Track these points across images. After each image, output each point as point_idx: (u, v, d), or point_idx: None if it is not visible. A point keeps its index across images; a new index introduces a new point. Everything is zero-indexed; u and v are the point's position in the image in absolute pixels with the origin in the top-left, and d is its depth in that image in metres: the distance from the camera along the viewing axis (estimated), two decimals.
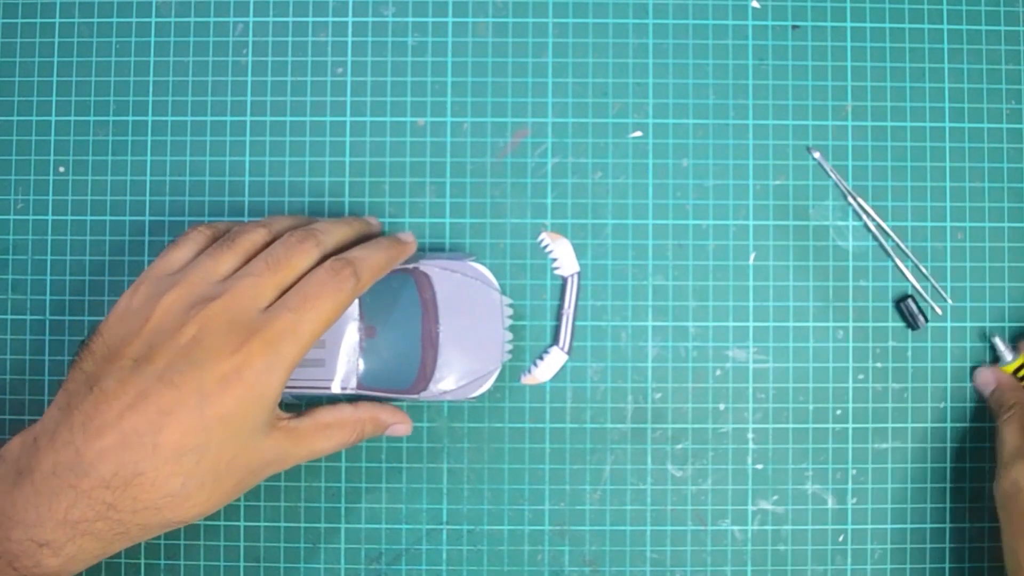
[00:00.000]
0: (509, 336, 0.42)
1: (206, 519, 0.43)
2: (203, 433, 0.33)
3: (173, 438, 0.33)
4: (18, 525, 0.33)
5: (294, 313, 0.35)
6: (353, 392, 0.40)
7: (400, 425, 0.41)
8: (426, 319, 0.41)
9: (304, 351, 0.35)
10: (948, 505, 0.44)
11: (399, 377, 0.41)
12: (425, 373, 0.41)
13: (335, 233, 0.39)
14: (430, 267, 0.42)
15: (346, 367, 0.40)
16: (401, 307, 0.41)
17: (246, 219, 0.45)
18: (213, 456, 0.34)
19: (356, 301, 0.40)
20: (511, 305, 0.43)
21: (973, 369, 0.44)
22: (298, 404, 0.42)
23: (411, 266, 0.41)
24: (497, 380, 0.42)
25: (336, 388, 0.40)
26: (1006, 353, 0.44)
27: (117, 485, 0.33)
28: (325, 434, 0.38)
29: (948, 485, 0.44)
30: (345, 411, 0.39)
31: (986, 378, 0.44)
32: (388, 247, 0.39)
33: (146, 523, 0.34)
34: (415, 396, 0.41)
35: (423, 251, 0.44)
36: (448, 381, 0.41)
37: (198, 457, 0.33)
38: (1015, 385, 0.43)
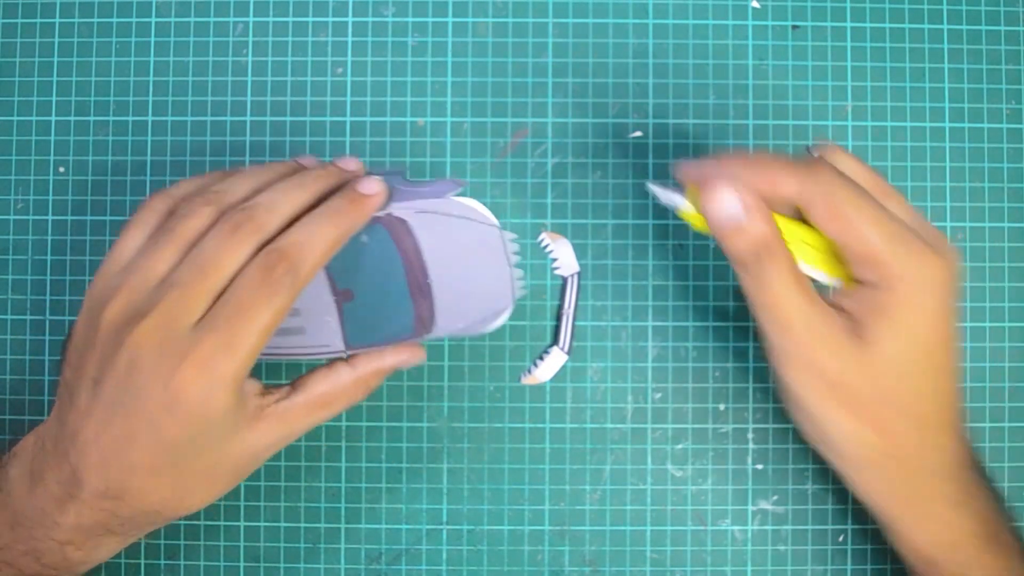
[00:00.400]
0: (519, 273, 0.38)
1: (206, 519, 0.43)
2: (168, 453, 0.32)
3: (143, 460, 0.32)
4: (38, 526, 0.33)
5: (223, 331, 0.32)
6: (343, 354, 0.37)
7: (410, 359, 0.38)
8: (411, 272, 0.37)
9: (248, 363, 0.32)
10: None
11: (394, 332, 0.37)
12: (423, 323, 0.37)
13: (284, 206, 0.34)
14: (405, 212, 0.36)
15: (324, 332, 0.37)
16: (378, 264, 0.37)
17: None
18: (191, 466, 0.33)
19: (322, 270, 0.37)
20: (515, 240, 0.38)
21: (685, 167, 0.34)
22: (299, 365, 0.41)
23: (382, 213, 0.36)
24: (497, 380, 0.42)
25: (321, 357, 0.37)
26: (674, 196, 0.35)
27: (112, 496, 0.33)
28: (322, 403, 0.36)
29: None
30: (342, 375, 0.36)
31: (727, 193, 0.33)
32: (339, 213, 0.34)
33: (153, 520, 0.35)
34: (419, 340, 0.38)
35: (396, 182, 0.37)
36: (453, 325, 0.37)
37: (177, 471, 0.33)
38: (769, 213, 0.33)
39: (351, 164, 0.36)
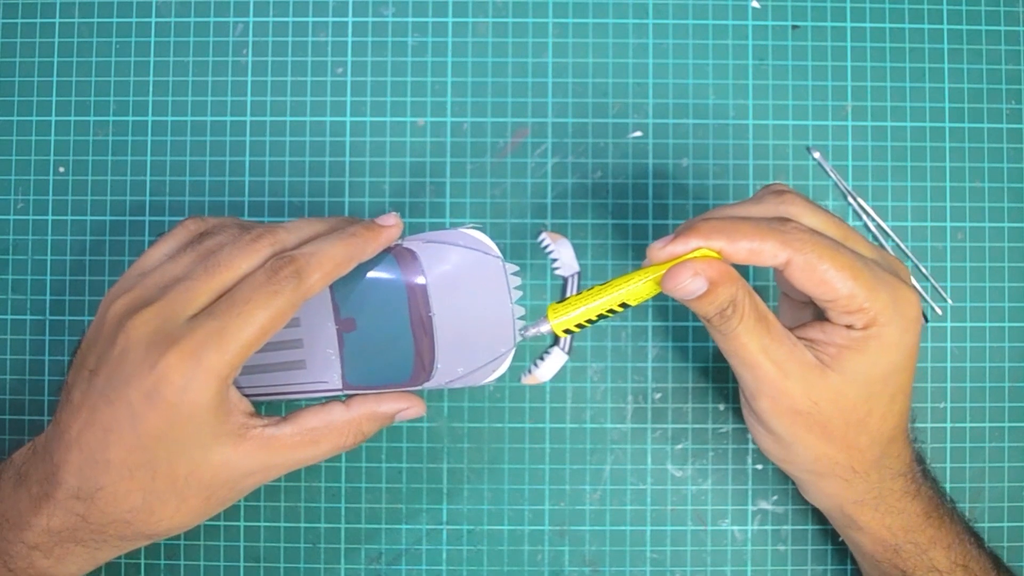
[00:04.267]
0: (520, 311, 0.38)
1: (206, 520, 0.43)
2: (144, 451, 0.32)
3: (119, 456, 0.32)
4: (13, 527, 0.33)
5: (217, 320, 0.32)
6: (341, 392, 0.38)
7: (409, 409, 0.37)
8: (414, 303, 0.37)
9: (237, 361, 0.32)
10: None
11: (393, 371, 0.37)
12: (423, 364, 0.37)
13: (305, 229, 0.36)
14: (414, 242, 0.37)
15: (324, 366, 0.37)
16: (383, 293, 0.37)
17: (246, 219, 0.44)
18: (166, 471, 0.33)
19: (327, 291, 0.37)
20: (517, 273, 0.38)
21: (652, 250, 0.34)
22: (298, 403, 0.41)
23: (392, 244, 0.37)
24: (497, 380, 0.41)
25: (319, 396, 0.37)
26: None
27: (84, 497, 0.33)
28: (311, 440, 0.35)
29: (948, 485, 0.44)
30: (335, 412, 0.36)
31: (689, 276, 0.33)
32: (352, 236, 0.35)
33: (122, 534, 0.34)
34: (419, 387, 0.38)
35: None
36: (453, 370, 0.37)
37: (150, 473, 0.33)
38: (735, 275, 0.34)
39: (389, 220, 0.37)
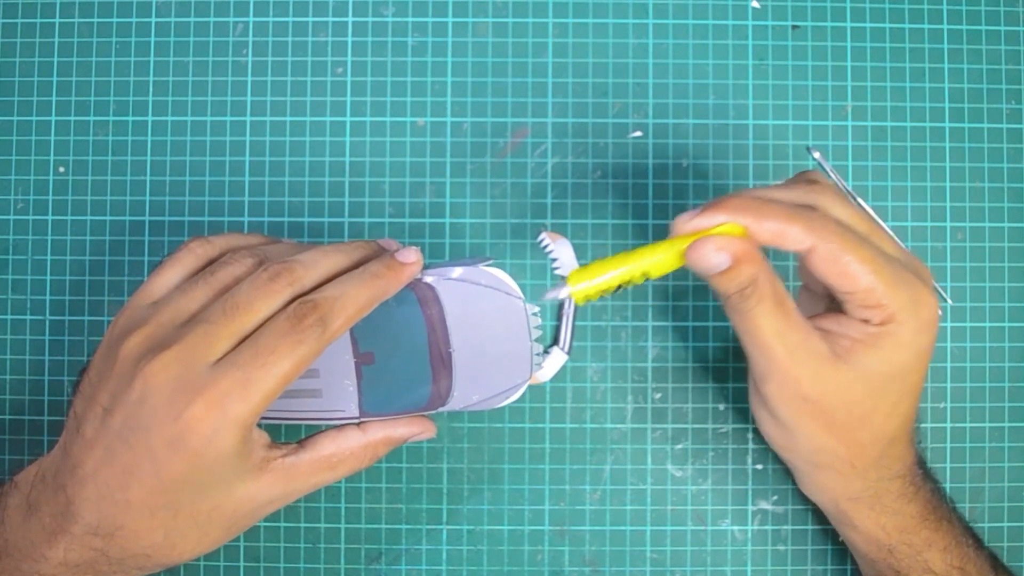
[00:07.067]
0: (538, 348, 0.38)
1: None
2: (166, 493, 0.32)
3: (140, 497, 0.32)
4: (26, 558, 0.33)
5: (242, 371, 0.31)
6: (357, 420, 0.38)
7: (422, 433, 0.38)
8: (434, 339, 0.37)
9: (261, 408, 0.32)
10: None
11: (410, 400, 0.38)
12: (440, 393, 0.38)
13: (323, 265, 0.35)
14: (434, 277, 0.37)
15: (341, 396, 0.37)
16: (402, 328, 0.37)
17: (246, 220, 0.44)
18: (188, 510, 0.33)
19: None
20: (537, 314, 0.38)
21: (677, 223, 0.34)
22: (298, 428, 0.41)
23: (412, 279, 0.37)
24: None
25: (332, 418, 0.37)
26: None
27: (103, 534, 0.33)
28: (328, 465, 0.36)
29: (948, 485, 0.44)
30: (352, 439, 0.37)
31: (712, 250, 0.33)
32: (375, 277, 0.35)
33: (141, 566, 0.34)
34: (433, 412, 0.39)
35: (427, 259, 0.39)
36: (468, 397, 0.38)
37: (173, 512, 0.33)
38: (759, 255, 0.34)
39: (410, 256, 0.36)
